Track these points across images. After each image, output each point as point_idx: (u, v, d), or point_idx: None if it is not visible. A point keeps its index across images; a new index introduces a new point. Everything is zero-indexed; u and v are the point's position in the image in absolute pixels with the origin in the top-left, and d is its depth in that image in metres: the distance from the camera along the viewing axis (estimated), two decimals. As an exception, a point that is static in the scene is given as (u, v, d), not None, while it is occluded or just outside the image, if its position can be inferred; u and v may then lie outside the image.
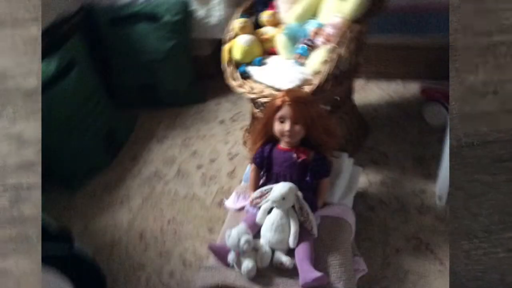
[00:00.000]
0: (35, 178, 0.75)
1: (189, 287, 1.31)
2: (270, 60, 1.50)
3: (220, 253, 1.11)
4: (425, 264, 1.26)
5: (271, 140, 1.25)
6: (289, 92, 1.22)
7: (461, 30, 0.74)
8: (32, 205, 0.75)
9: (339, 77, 1.39)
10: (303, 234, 1.11)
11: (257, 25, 1.61)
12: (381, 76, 2.03)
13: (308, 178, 1.20)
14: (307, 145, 1.23)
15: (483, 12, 0.74)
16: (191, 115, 2.05)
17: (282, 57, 1.49)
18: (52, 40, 1.71)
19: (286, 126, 1.18)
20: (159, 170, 1.77)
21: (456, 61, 0.75)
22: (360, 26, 1.37)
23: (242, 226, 1.10)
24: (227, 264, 1.10)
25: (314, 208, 1.16)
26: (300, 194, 1.13)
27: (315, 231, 1.12)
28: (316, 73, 1.35)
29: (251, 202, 1.20)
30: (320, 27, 1.42)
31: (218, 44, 1.88)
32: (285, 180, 1.16)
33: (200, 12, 1.98)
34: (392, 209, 1.44)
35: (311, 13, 1.51)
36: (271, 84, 1.40)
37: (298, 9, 1.51)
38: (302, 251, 1.08)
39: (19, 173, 0.76)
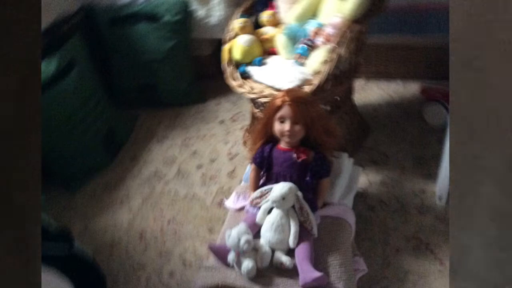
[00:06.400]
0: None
1: (189, 287, 1.32)
2: (270, 60, 1.50)
3: (220, 253, 1.11)
4: (425, 264, 1.26)
5: (271, 140, 1.25)
6: (289, 92, 1.22)
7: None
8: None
9: (339, 77, 1.40)
10: (303, 234, 1.11)
11: (257, 25, 1.61)
12: (381, 76, 2.03)
13: (308, 178, 1.20)
14: (307, 145, 1.23)
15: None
16: (191, 115, 2.05)
17: (282, 57, 1.49)
18: (52, 40, 1.71)
19: (286, 126, 1.18)
20: (159, 170, 1.78)
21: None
22: (360, 26, 1.37)
23: (242, 226, 1.10)
24: (227, 264, 1.10)
25: (314, 208, 1.16)
26: (300, 194, 1.13)
27: (315, 231, 1.12)
28: (316, 73, 1.35)
29: (251, 202, 1.20)
30: (320, 27, 1.42)
31: (218, 44, 1.88)
32: (285, 180, 1.16)
33: (200, 12, 1.98)
34: (392, 209, 1.44)
35: (311, 13, 1.51)
36: (271, 84, 1.40)
37: (298, 9, 1.51)
38: (302, 251, 1.08)
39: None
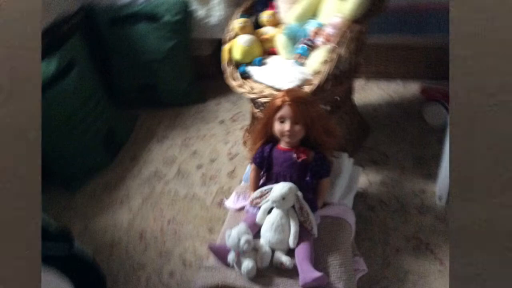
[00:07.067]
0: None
1: (189, 287, 1.32)
2: (270, 60, 1.50)
3: (220, 253, 1.11)
4: (425, 264, 1.26)
5: (271, 140, 1.25)
6: (289, 92, 1.22)
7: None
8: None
9: (339, 77, 1.40)
10: (303, 234, 1.11)
11: (257, 25, 1.61)
12: (381, 76, 2.03)
13: (308, 178, 1.20)
14: (307, 145, 1.23)
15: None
16: (191, 115, 2.05)
17: (282, 57, 1.49)
18: (52, 40, 1.71)
19: (286, 126, 1.18)
20: (159, 170, 1.78)
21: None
22: (360, 26, 1.37)
23: (242, 226, 1.10)
24: (227, 264, 1.10)
25: (314, 208, 1.16)
26: (300, 194, 1.13)
27: (315, 231, 1.12)
28: (316, 73, 1.35)
29: (251, 202, 1.20)
30: (320, 27, 1.42)
31: (218, 44, 1.88)
32: (285, 180, 1.16)
33: (200, 12, 1.98)
34: (392, 209, 1.44)
35: (311, 13, 1.51)
36: (271, 84, 1.40)
37: (298, 9, 1.51)
38: (302, 251, 1.08)
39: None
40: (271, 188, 1.15)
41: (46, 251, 0.98)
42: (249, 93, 1.41)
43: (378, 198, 1.48)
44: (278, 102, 1.19)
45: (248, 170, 1.35)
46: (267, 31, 1.57)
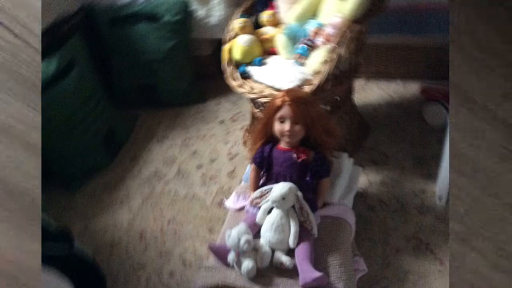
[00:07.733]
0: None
1: (189, 287, 1.32)
2: (270, 60, 1.51)
3: (220, 253, 1.11)
4: (425, 264, 1.26)
5: (271, 140, 1.26)
6: (289, 92, 1.22)
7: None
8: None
9: (339, 77, 1.40)
10: (303, 234, 1.11)
11: (257, 25, 1.61)
12: (381, 76, 2.03)
13: (308, 178, 1.20)
14: (307, 145, 1.23)
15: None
16: (191, 115, 2.05)
17: (282, 57, 1.49)
18: (52, 40, 1.71)
19: (286, 126, 1.18)
20: (159, 170, 1.78)
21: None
22: (360, 26, 1.37)
23: (242, 226, 1.10)
24: (227, 264, 1.10)
25: (314, 208, 1.16)
26: (300, 194, 1.13)
27: (315, 231, 1.12)
28: (316, 73, 1.35)
29: (251, 202, 1.20)
30: (320, 27, 1.42)
31: (218, 44, 1.88)
32: (285, 180, 1.16)
33: (200, 12, 1.98)
34: (392, 209, 1.44)
35: (311, 13, 1.51)
36: (271, 84, 1.40)
37: (298, 9, 1.51)
38: (302, 251, 1.08)
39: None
40: (271, 188, 1.15)
41: (46, 251, 0.98)
42: (249, 93, 1.41)
43: (378, 198, 1.48)
44: (278, 102, 1.19)
45: (248, 170, 1.35)
46: (267, 31, 1.57)
